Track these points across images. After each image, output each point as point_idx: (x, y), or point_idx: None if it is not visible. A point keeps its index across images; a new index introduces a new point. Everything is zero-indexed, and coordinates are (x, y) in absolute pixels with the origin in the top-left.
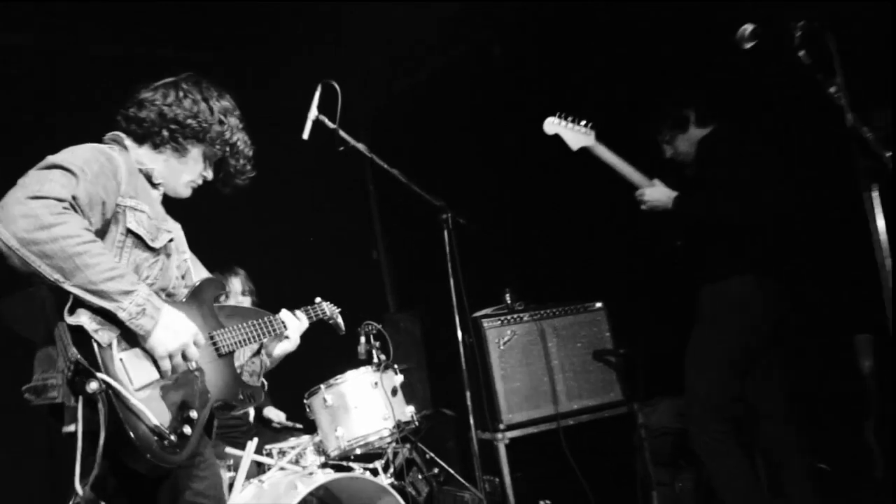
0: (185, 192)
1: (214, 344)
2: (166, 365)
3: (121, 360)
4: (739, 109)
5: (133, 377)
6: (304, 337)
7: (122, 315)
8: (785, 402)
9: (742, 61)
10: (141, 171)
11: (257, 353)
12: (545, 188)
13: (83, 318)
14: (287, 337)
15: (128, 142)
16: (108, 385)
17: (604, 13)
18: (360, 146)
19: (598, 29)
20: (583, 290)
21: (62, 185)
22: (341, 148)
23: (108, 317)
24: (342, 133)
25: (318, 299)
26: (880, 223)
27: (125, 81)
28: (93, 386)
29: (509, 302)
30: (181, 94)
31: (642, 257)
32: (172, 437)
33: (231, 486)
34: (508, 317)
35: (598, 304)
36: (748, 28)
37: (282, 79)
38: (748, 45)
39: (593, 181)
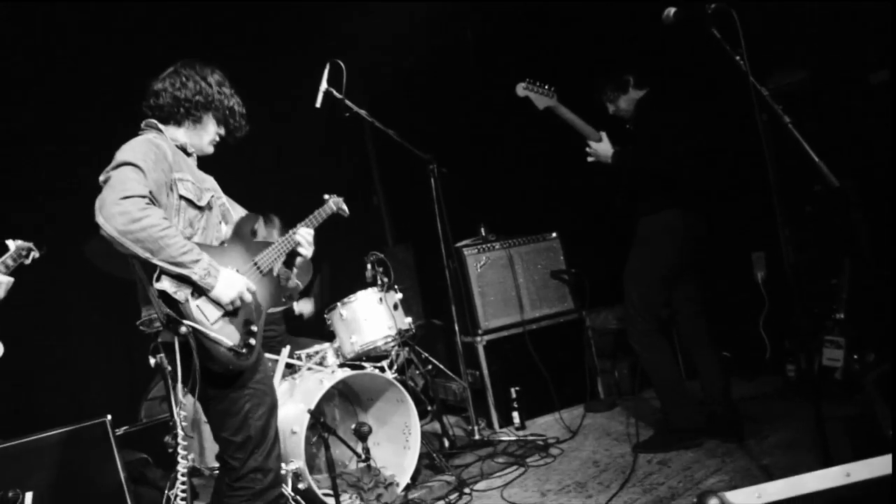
0: (210, 150)
1: (257, 267)
2: (230, 307)
3: (197, 306)
4: (667, 74)
5: (208, 316)
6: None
7: (194, 277)
8: (698, 305)
9: (668, 36)
10: (177, 146)
11: (287, 262)
12: (513, 142)
13: (165, 284)
14: (300, 244)
15: (160, 125)
16: (193, 327)
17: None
18: (362, 112)
19: (553, 12)
20: (541, 224)
21: (137, 181)
22: (347, 114)
23: (181, 279)
24: (348, 102)
25: (325, 196)
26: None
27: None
28: (182, 330)
29: (484, 234)
30: (184, 78)
31: (588, 197)
32: (244, 350)
33: None
34: (483, 246)
35: (554, 235)
36: (671, 10)
37: (299, 65)
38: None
39: (552, 138)
